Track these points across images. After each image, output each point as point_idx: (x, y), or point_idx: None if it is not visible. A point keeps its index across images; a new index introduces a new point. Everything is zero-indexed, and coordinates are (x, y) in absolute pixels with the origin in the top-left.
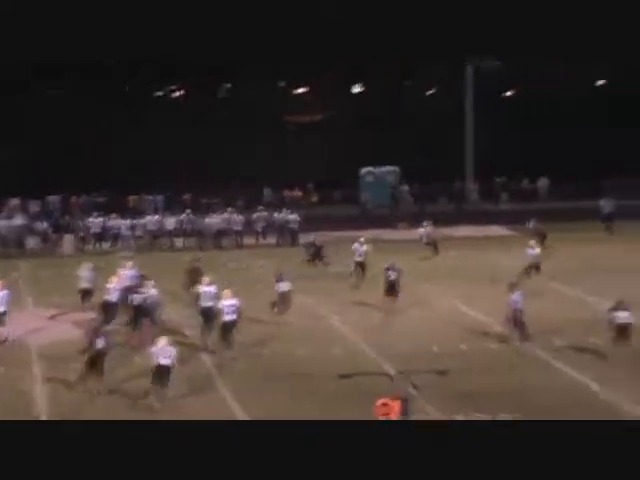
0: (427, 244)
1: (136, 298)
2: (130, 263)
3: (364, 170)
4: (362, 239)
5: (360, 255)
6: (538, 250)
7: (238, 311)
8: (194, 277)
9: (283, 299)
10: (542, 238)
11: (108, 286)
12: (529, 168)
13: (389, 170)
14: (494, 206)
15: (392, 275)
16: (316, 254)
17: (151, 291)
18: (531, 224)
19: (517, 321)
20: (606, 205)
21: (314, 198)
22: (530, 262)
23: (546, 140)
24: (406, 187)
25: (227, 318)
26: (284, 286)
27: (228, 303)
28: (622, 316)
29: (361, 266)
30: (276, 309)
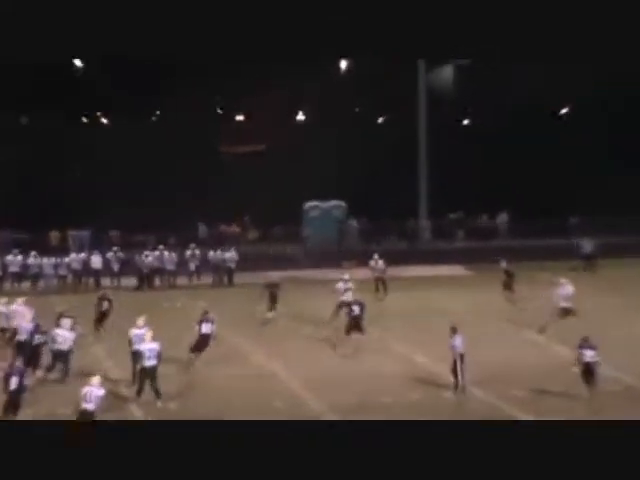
0: (377, 279)
1: (38, 338)
2: (21, 299)
3: (308, 204)
4: (346, 276)
5: (344, 294)
6: (571, 289)
7: (159, 355)
8: (103, 316)
9: (202, 341)
10: (511, 280)
11: (20, 325)
12: (487, 203)
13: (336, 205)
14: (448, 244)
15: (356, 309)
16: (274, 297)
17: (60, 332)
18: (503, 263)
19: (455, 368)
20: (587, 245)
21: (253, 234)
22: (561, 304)
23: (506, 173)
24: (354, 223)
25: (148, 363)
26: (206, 328)
27: (149, 347)
28: (589, 354)
29: (348, 306)
30: (192, 354)
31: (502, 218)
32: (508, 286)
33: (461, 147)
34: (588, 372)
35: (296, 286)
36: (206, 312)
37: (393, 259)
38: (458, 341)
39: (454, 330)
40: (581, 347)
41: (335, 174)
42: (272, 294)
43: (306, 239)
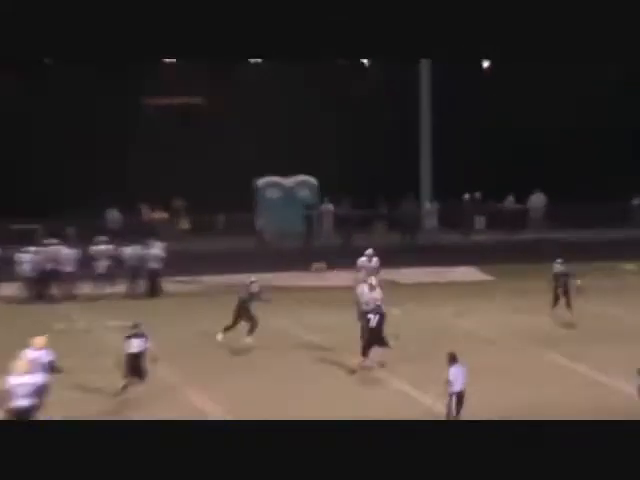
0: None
1: None
2: None
3: (264, 181)
4: (373, 280)
5: (367, 304)
6: None
7: (39, 393)
8: None
9: (130, 364)
10: (566, 290)
11: None
12: (515, 181)
13: (302, 182)
14: (463, 237)
15: (373, 320)
16: (246, 309)
17: None
18: (558, 264)
19: (451, 404)
20: None
21: (184, 224)
22: None
23: (540, 140)
24: (330, 207)
25: (19, 404)
26: (135, 345)
27: (19, 381)
28: None
29: (380, 316)
30: (126, 381)
31: (536, 200)
32: (564, 298)
33: (477, 99)
34: None
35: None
36: (136, 325)
37: (384, 258)
38: (455, 374)
39: (453, 359)
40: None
41: (303, 140)
42: (243, 309)
43: (260, 231)
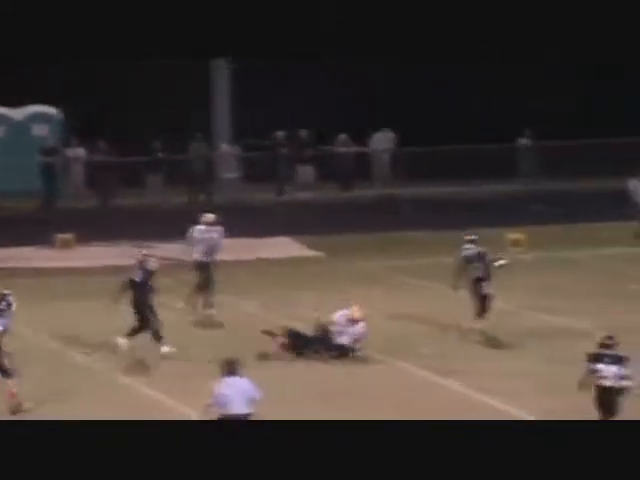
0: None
1: None
2: None
3: None
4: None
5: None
6: None
7: None
8: None
9: None
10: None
11: None
12: (356, 115)
13: (38, 113)
14: (277, 195)
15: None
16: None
17: None
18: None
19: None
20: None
21: None
22: None
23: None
24: (80, 151)
25: None
26: None
27: None
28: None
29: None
30: None
31: (382, 141)
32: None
33: None
34: None
35: None
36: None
37: (161, 224)
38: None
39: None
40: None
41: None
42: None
43: None
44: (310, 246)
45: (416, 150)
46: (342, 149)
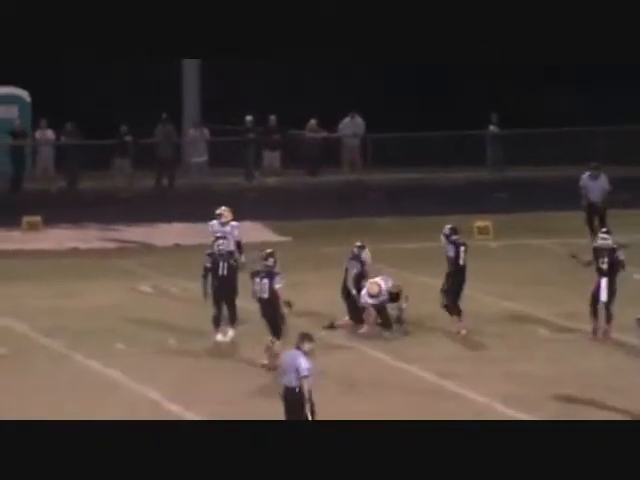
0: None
1: None
2: None
3: None
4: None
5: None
6: None
7: None
8: None
9: None
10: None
11: None
12: (324, 100)
13: (7, 95)
14: (246, 179)
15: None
16: None
17: None
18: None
19: None
20: (596, 185)
21: None
22: None
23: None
24: (49, 133)
25: None
26: None
27: None
28: None
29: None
30: None
31: (350, 126)
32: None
33: None
34: None
35: None
36: None
37: (131, 210)
38: None
39: None
40: None
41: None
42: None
43: None
44: (277, 231)
45: (384, 136)
46: (310, 135)
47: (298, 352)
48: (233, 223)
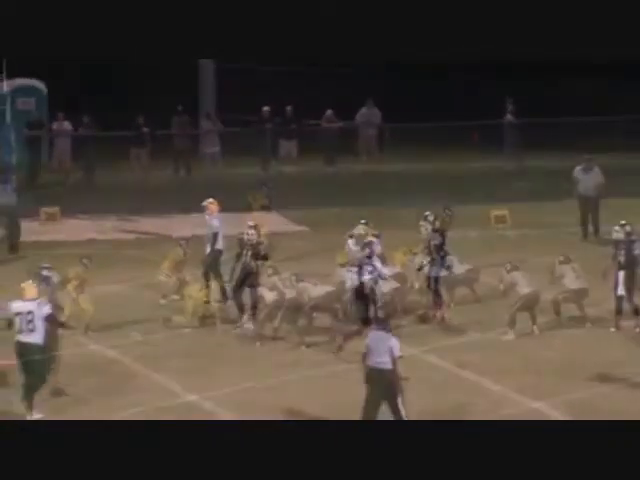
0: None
1: None
2: None
3: None
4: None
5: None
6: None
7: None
8: None
9: None
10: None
11: None
12: (338, 90)
13: (24, 86)
14: (262, 170)
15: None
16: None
17: None
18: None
19: None
20: (588, 178)
21: None
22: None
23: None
24: (66, 124)
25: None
26: None
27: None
28: None
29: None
30: None
31: (367, 116)
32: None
33: None
34: None
35: None
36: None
37: (152, 200)
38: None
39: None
40: None
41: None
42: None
43: None
44: (294, 221)
45: (401, 126)
46: (326, 125)
47: (386, 333)
48: (215, 214)
